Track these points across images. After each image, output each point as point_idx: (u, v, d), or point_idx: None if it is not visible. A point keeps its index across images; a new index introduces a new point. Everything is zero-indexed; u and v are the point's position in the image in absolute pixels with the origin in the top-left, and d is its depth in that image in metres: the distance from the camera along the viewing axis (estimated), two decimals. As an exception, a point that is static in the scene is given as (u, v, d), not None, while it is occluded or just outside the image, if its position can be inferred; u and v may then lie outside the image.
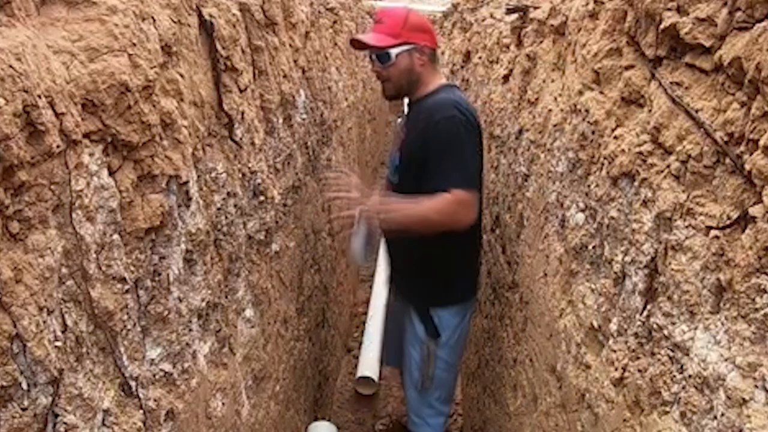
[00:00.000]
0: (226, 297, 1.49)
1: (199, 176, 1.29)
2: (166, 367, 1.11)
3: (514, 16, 2.37)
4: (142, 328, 1.03)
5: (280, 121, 2.04)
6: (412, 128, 2.13)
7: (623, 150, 1.21)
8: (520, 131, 2.24)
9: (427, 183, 1.93)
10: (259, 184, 1.74)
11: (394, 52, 2.04)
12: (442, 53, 5.14)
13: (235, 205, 1.54)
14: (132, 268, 0.99)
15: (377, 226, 2.09)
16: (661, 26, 1.05)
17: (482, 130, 2.10)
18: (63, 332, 0.80)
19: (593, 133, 1.40)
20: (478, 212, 2.16)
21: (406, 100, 2.28)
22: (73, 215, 0.83)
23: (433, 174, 1.92)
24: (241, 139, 1.58)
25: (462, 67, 4.05)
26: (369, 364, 3.54)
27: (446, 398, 2.47)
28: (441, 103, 1.99)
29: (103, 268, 0.90)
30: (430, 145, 1.95)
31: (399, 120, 2.52)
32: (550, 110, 1.84)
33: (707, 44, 0.93)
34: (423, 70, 2.10)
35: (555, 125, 1.76)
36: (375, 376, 3.50)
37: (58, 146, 0.78)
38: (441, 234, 1.96)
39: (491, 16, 3.19)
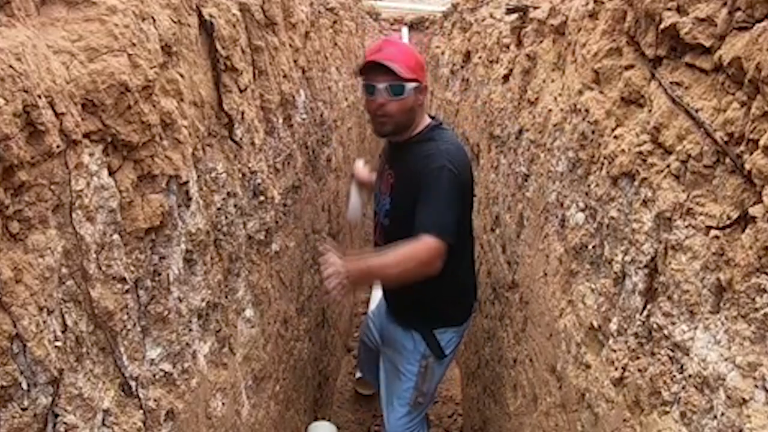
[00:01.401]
0: (226, 297, 1.49)
1: (199, 176, 1.29)
2: (166, 367, 1.11)
3: (514, 16, 2.37)
4: (142, 328, 1.03)
5: (280, 121, 2.04)
6: (404, 172, 2.10)
7: (623, 150, 1.21)
8: (520, 131, 2.25)
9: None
10: (259, 184, 1.74)
11: (410, 86, 1.99)
12: (442, 53, 5.13)
13: (235, 205, 1.54)
14: (132, 268, 0.99)
15: (363, 184, 2.49)
16: (661, 26, 1.05)
17: (472, 176, 2.13)
18: (63, 332, 0.80)
19: (593, 132, 1.40)
20: (470, 247, 2.33)
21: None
22: (73, 215, 0.83)
23: (416, 218, 1.91)
24: (241, 139, 1.58)
25: (462, 67, 4.05)
26: (369, 364, 3.54)
27: (425, 414, 2.47)
28: (435, 153, 1.98)
29: (103, 268, 0.90)
30: (420, 192, 1.95)
31: (379, 155, 2.52)
32: (550, 110, 1.84)
33: (707, 44, 0.93)
34: (419, 110, 2.10)
35: (555, 125, 1.76)
36: (375, 376, 3.50)
37: (58, 146, 0.78)
38: (448, 266, 1.95)
39: (491, 16, 3.19)
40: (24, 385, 0.71)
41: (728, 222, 0.83)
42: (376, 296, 4.04)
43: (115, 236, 0.94)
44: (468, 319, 2.36)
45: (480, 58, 3.35)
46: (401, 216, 2.07)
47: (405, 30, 7.56)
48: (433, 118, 2.20)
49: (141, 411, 1.00)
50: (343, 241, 3.94)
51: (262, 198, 1.78)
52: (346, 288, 1.90)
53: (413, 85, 2.00)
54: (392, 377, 2.38)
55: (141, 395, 1.00)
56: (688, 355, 0.92)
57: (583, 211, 1.48)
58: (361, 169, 2.65)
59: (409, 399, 2.32)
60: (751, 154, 0.78)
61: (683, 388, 0.93)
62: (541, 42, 2.06)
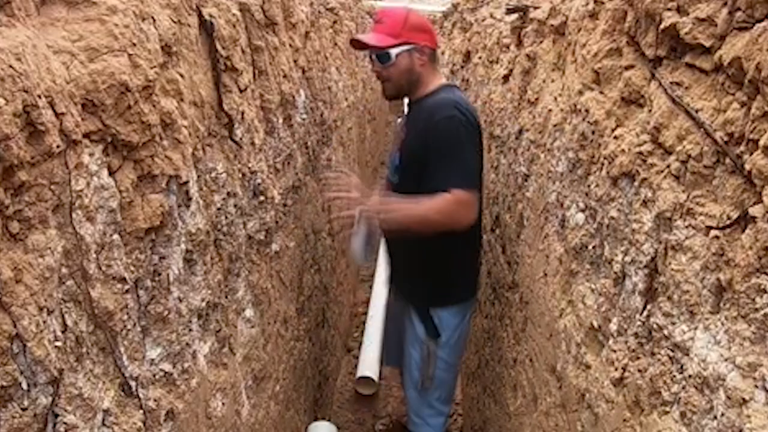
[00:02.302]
0: (226, 297, 1.49)
1: (199, 176, 1.29)
2: (166, 367, 1.11)
3: (514, 16, 2.37)
4: (142, 328, 1.03)
5: (280, 121, 2.04)
6: (412, 128, 2.13)
7: (623, 150, 1.21)
8: (520, 131, 2.24)
9: (428, 183, 1.93)
10: (259, 184, 1.74)
11: (394, 52, 2.04)
12: (442, 53, 5.14)
13: (235, 205, 1.54)
14: (132, 268, 0.99)
15: (377, 225, 2.11)
16: (661, 26, 1.05)
17: (482, 129, 2.09)
18: (63, 332, 0.80)
19: (593, 133, 1.40)
20: (479, 212, 2.17)
21: (406, 100, 2.28)
22: (73, 215, 0.83)
23: (433, 174, 1.92)
24: (241, 139, 1.57)
25: (462, 67, 4.05)
26: (369, 364, 3.55)
27: (446, 398, 2.46)
28: (441, 103, 1.99)
29: (103, 268, 0.90)
30: (430, 145, 1.94)
31: (399, 120, 2.52)
32: (550, 110, 1.84)
33: (707, 44, 0.93)
34: (423, 70, 2.10)
35: (555, 125, 1.76)
36: (375, 376, 3.50)
37: (58, 146, 0.78)
38: (440, 234, 1.96)
39: (491, 16, 3.19)
40: (24, 385, 0.71)
41: (728, 222, 0.83)
42: (377, 296, 4.05)
43: (115, 236, 0.94)
44: (469, 300, 2.34)
45: (480, 58, 3.35)
46: (409, 170, 2.09)
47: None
48: (456, 86, 2.24)
49: (141, 411, 1.00)
50: (343, 241, 3.95)
51: (262, 198, 1.78)
52: (360, 219, 1.93)
53: (400, 49, 2.05)
54: (407, 361, 2.43)
55: (141, 395, 1.00)
56: (688, 355, 0.92)
57: (583, 211, 1.48)
58: (372, 198, 2.27)
59: (416, 383, 2.36)
60: (751, 154, 0.78)
61: (683, 388, 0.93)
62: (541, 42, 2.06)
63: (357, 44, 2.14)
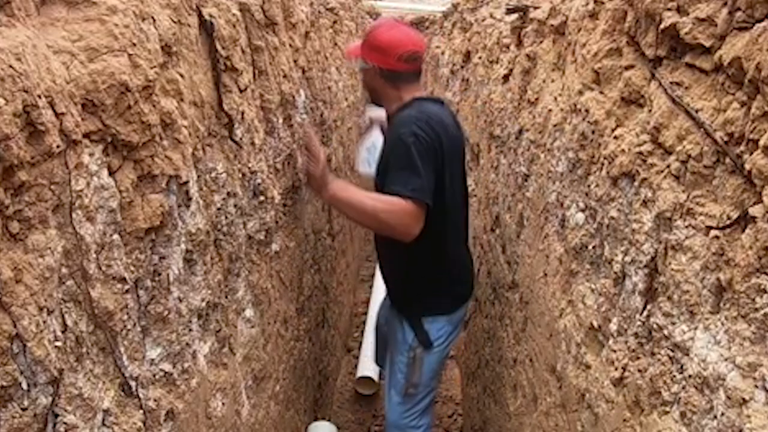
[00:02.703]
0: (226, 297, 1.49)
1: (199, 176, 1.29)
2: (166, 367, 1.11)
3: (514, 16, 2.37)
4: (142, 328, 1.03)
5: (280, 121, 2.04)
6: (385, 143, 2.24)
7: (623, 150, 1.21)
8: (520, 131, 2.24)
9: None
10: (259, 184, 1.74)
11: (357, 64, 2.22)
12: (442, 53, 5.13)
13: (235, 205, 1.54)
14: (132, 268, 0.99)
15: (378, 136, 2.50)
16: (661, 26, 1.05)
17: (450, 147, 2.08)
18: (63, 332, 0.80)
19: (593, 133, 1.40)
20: (463, 222, 2.32)
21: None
22: (73, 215, 0.83)
23: (388, 184, 1.95)
24: (241, 139, 1.57)
25: (462, 67, 4.05)
26: (369, 364, 3.55)
27: (427, 406, 2.47)
28: (404, 120, 2.04)
29: (103, 268, 0.90)
30: (389, 159, 2.01)
31: (368, 112, 2.67)
32: (550, 110, 1.84)
33: (707, 44, 0.93)
34: (378, 87, 2.20)
35: (555, 125, 1.76)
36: (375, 376, 3.50)
37: (58, 146, 0.78)
38: (425, 247, 2.01)
39: (491, 16, 3.19)
40: (24, 385, 0.71)
41: (728, 222, 0.83)
42: (377, 296, 4.05)
43: (115, 236, 0.94)
44: (459, 309, 2.35)
45: (480, 58, 3.35)
46: (381, 184, 2.13)
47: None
48: (435, 99, 2.27)
49: (141, 411, 1.00)
50: (343, 241, 3.94)
51: (262, 198, 1.78)
52: (309, 181, 2.13)
53: (360, 63, 2.21)
54: (390, 366, 2.43)
55: (141, 395, 1.00)
56: (688, 355, 0.92)
57: (583, 211, 1.48)
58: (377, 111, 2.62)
59: (400, 389, 2.35)
60: (751, 154, 0.78)
61: (683, 388, 0.93)
62: (541, 42, 2.06)
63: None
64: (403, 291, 2.34)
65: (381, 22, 2.35)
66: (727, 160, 0.85)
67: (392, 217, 1.89)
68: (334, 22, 3.62)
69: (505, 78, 2.62)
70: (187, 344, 1.20)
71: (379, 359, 2.87)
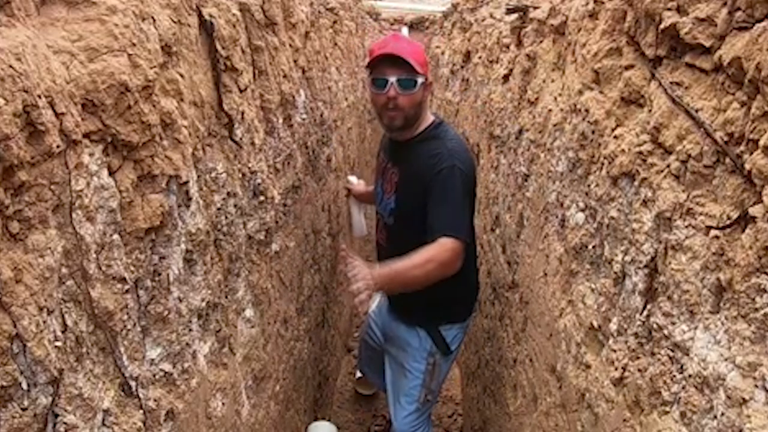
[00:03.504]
0: (226, 297, 1.49)
1: (199, 176, 1.29)
2: (166, 367, 1.11)
3: (514, 16, 2.37)
4: (142, 328, 1.03)
5: (280, 121, 2.04)
6: (410, 172, 2.09)
7: (623, 150, 1.21)
8: (520, 131, 2.25)
9: (423, 228, 1.93)
10: (259, 184, 1.74)
11: (420, 80, 2.00)
12: (442, 53, 5.13)
13: (235, 205, 1.54)
14: (132, 268, 0.99)
15: (362, 199, 2.57)
16: (661, 26, 1.05)
17: (476, 174, 2.14)
18: (63, 332, 0.80)
19: (593, 132, 1.40)
20: (474, 245, 2.31)
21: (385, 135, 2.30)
22: (73, 215, 0.83)
23: (430, 220, 1.92)
24: (241, 139, 1.57)
25: (462, 67, 4.05)
26: (369, 364, 3.54)
27: (431, 412, 2.48)
28: (441, 152, 1.98)
29: (103, 268, 0.90)
30: (431, 193, 1.94)
31: (380, 151, 2.48)
32: (550, 110, 1.84)
33: (707, 44, 0.93)
34: (426, 106, 2.12)
35: (555, 125, 1.76)
36: (375, 376, 3.50)
37: (58, 146, 0.78)
38: None
39: (491, 16, 3.19)
40: (24, 385, 0.71)
41: (728, 222, 0.83)
42: (376, 296, 4.05)
43: (115, 236, 0.94)
44: (471, 315, 2.38)
45: (480, 58, 3.35)
46: (406, 215, 2.08)
47: (405, 30, 7.56)
48: (434, 115, 2.21)
49: (141, 411, 1.00)
50: (343, 242, 3.94)
51: (262, 198, 1.78)
52: (372, 296, 1.88)
53: (422, 79, 2.01)
54: (398, 375, 2.38)
55: (141, 395, 1.00)
56: (688, 355, 0.92)
57: (583, 211, 1.48)
58: (356, 185, 2.71)
59: (417, 396, 2.32)
60: (751, 154, 0.78)
61: (683, 388, 0.93)
62: (541, 42, 2.06)
63: (383, 61, 1.99)
64: (420, 302, 2.25)
65: (402, 37, 2.33)
66: (727, 160, 0.85)
67: (441, 263, 1.87)
68: (334, 22, 3.62)
69: (505, 78, 2.62)
70: (187, 344, 1.20)
71: (368, 371, 2.84)
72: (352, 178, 2.82)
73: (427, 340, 2.26)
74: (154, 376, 1.07)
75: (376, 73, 2.02)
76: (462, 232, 1.91)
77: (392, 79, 1.97)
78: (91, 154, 0.88)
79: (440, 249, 1.86)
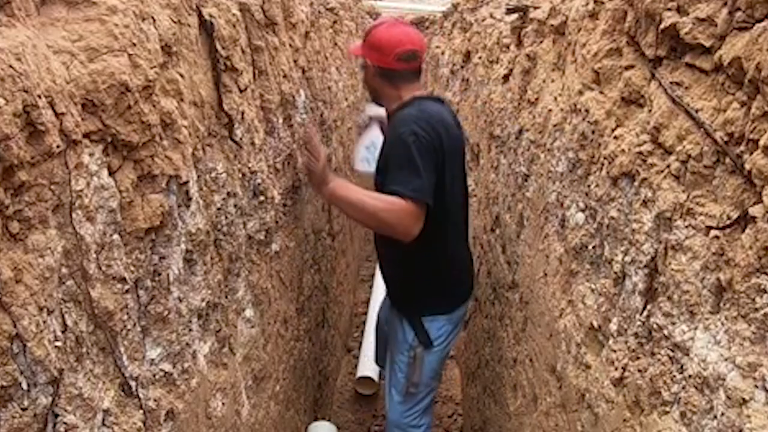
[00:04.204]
0: (226, 297, 1.49)
1: (199, 176, 1.29)
2: (166, 367, 1.11)
3: (514, 16, 2.37)
4: (142, 328, 1.03)
5: (280, 121, 2.04)
6: (384, 146, 2.22)
7: (623, 150, 1.21)
8: (520, 131, 2.25)
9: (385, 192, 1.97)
10: (259, 184, 1.74)
11: (359, 61, 2.24)
12: (442, 53, 5.13)
13: (235, 205, 1.54)
14: (132, 268, 0.99)
15: (378, 134, 2.52)
16: (661, 26, 1.05)
17: (451, 146, 2.08)
18: (63, 332, 0.80)
19: (593, 133, 1.40)
20: (464, 223, 2.33)
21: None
22: (73, 215, 0.83)
23: (388, 183, 1.94)
24: (241, 139, 1.57)
25: (462, 67, 4.05)
26: (369, 364, 3.55)
27: (428, 406, 2.47)
28: (404, 119, 2.03)
29: (103, 268, 0.90)
30: (389, 158, 2.01)
31: (368, 109, 2.67)
32: (550, 110, 1.84)
33: (707, 44, 0.93)
34: (378, 87, 2.23)
35: (555, 125, 1.76)
36: (375, 376, 3.50)
37: (58, 146, 0.78)
38: (425, 246, 2.00)
39: (491, 16, 3.19)
40: (24, 385, 0.71)
41: (728, 222, 0.83)
42: (377, 296, 4.05)
43: (115, 236, 0.94)
44: (458, 308, 2.35)
45: (480, 58, 3.35)
46: (379, 181, 2.14)
47: (405, 30, 7.54)
48: (435, 98, 2.26)
49: (141, 411, 1.00)
50: (343, 241, 3.94)
51: (262, 198, 1.78)
52: (309, 179, 2.16)
53: (361, 60, 2.25)
54: (390, 365, 2.43)
55: (141, 395, 1.00)
56: (688, 355, 0.92)
57: (583, 211, 1.48)
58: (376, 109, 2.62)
59: (401, 389, 2.35)
60: (751, 154, 0.78)
61: (683, 388, 0.93)
62: (541, 42, 2.06)
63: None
64: (402, 290, 2.34)
65: (381, 20, 2.35)
66: (727, 160, 0.85)
67: (392, 217, 1.89)
68: (334, 22, 3.62)
69: (505, 78, 2.62)
70: (187, 344, 1.20)
71: (380, 359, 2.88)
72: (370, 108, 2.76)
73: (410, 332, 2.28)
74: (154, 376, 1.07)
75: None
76: (418, 193, 1.88)
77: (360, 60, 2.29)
78: (91, 154, 0.88)
79: (389, 205, 1.89)
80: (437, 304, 2.29)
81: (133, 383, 0.98)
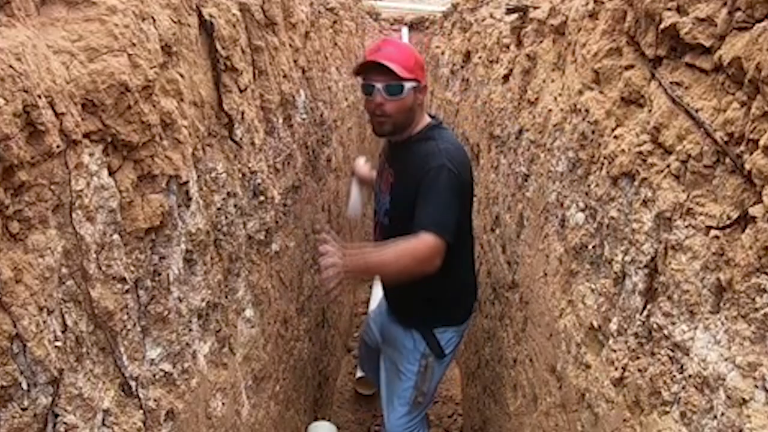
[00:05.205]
0: (226, 297, 1.49)
1: (199, 176, 1.29)
2: (166, 367, 1.11)
3: (514, 16, 2.37)
4: (142, 328, 1.03)
5: (280, 121, 2.04)
6: (403, 172, 2.10)
7: (623, 150, 1.21)
8: (520, 131, 2.25)
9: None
10: (259, 184, 1.74)
11: (408, 86, 1.98)
12: (442, 53, 5.13)
13: (235, 205, 1.54)
14: (132, 268, 0.99)
15: (363, 181, 2.51)
16: (661, 26, 1.05)
17: (472, 176, 2.11)
18: (63, 332, 0.80)
19: (593, 132, 1.40)
20: (470, 246, 2.32)
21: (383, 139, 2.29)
22: (73, 215, 0.83)
23: (416, 217, 1.91)
24: (241, 139, 1.58)
25: (462, 67, 4.05)
26: (369, 364, 3.54)
27: (425, 416, 2.46)
28: (434, 153, 1.98)
29: (103, 268, 0.90)
30: (419, 191, 1.94)
31: (381, 152, 2.51)
32: (550, 110, 1.84)
33: (707, 44, 0.93)
34: (419, 110, 2.09)
35: (555, 125, 1.76)
36: (375, 376, 3.50)
37: (58, 146, 0.78)
38: (447, 267, 1.94)
39: (491, 16, 3.19)
40: (24, 385, 0.71)
41: (728, 222, 0.83)
42: (377, 295, 4.05)
43: (115, 236, 0.94)
44: (468, 319, 2.37)
45: (480, 58, 3.35)
46: (400, 215, 2.07)
47: (405, 30, 7.55)
48: (433, 117, 2.20)
49: (141, 411, 1.00)
50: (344, 241, 3.94)
51: (262, 198, 1.78)
52: (342, 282, 1.88)
53: (411, 84, 1.99)
54: (392, 376, 2.38)
55: (141, 395, 1.00)
56: (688, 355, 0.92)
57: (583, 211, 1.48)
58: (362, 166, 2.67)
59: (408, 398, 2.32)
60: (751, 154, 0.78)
61: (683, 388, 0.93)
62: (541, 42, 2.06)
63: (370, 67, 2.00)
64: (415, 304, 2.27)
65: (388, 40, 2.29)
66: (727, 160, 0.85)
67: (415, 256, 1.85)
68: (334, 22, 3.62)
69: (505, 78, 2.62)
70: (187, 344, 1.20)
71: (368, 370, 2.84)
72: (360, 160, 2.77)
73: (421, 342, 2.26)
74: (154, 376, 1.07)
75: (365, 78, 2.03)
76: (446, 231, 1.87)
77: (379, 85, 1.97)
78: (91, 154, 0.88)
79: (418, 243, 1.85)
80: (452, 317, 2.30)
81: (133, 383, 0.98)
